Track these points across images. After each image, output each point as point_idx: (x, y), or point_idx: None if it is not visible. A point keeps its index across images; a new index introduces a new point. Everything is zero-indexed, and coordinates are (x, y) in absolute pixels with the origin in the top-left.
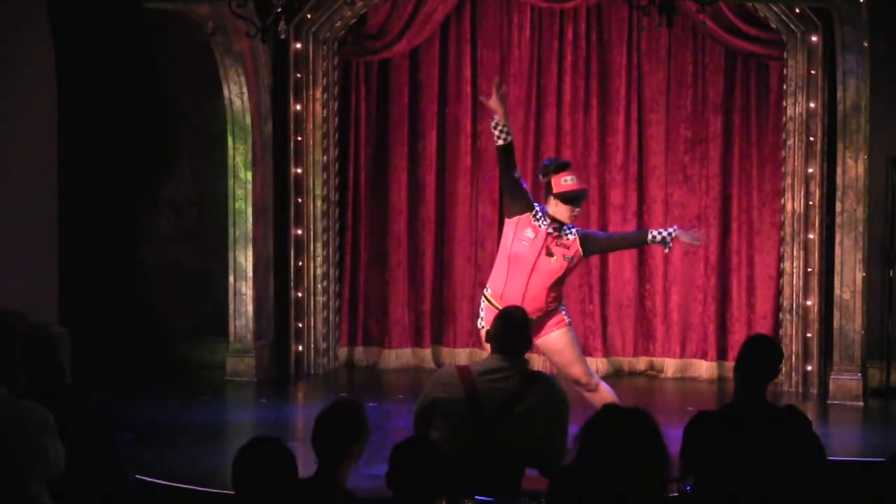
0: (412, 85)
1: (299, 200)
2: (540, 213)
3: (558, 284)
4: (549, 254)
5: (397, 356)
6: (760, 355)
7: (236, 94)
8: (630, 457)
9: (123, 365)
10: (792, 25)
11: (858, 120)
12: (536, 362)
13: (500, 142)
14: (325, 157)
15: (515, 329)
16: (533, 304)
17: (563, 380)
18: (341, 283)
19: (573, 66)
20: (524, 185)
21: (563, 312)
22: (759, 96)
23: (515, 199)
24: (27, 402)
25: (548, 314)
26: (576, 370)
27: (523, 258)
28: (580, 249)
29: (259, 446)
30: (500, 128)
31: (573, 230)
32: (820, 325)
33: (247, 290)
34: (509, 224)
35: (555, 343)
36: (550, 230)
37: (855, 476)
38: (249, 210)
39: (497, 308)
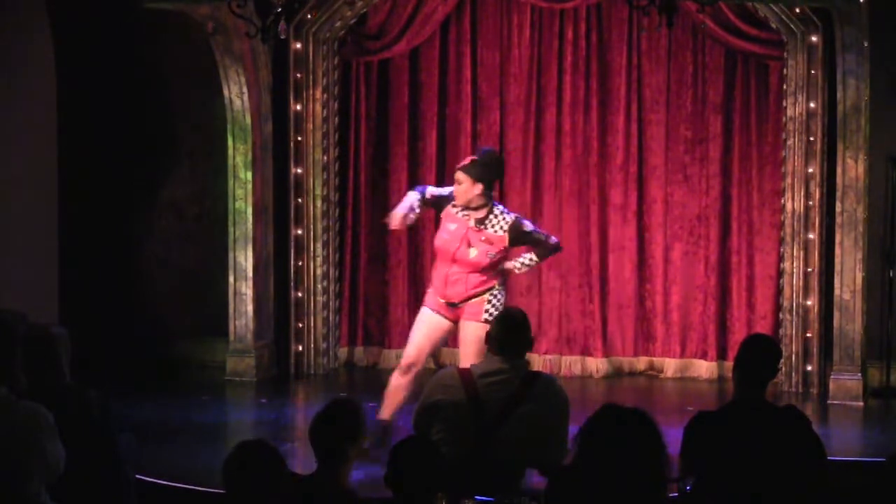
0: (412, 85)
1: (299, 200)
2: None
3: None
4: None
5: (397, 356)
6: (759, 355)
7: (236, 94)
8: (630, 457)
9: (123, 365)
10: (792, 25)
11: (858, 120)
12: (536, 362)
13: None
14: (325, 157)
15: (516, 330)
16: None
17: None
18: (341, 282)
19: (573, 66)
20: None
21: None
22: (759, 96)
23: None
24: (27, 402)
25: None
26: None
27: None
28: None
29: (244, 451)
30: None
31: (506, 216)
32: (820, 325)
33: (247, 290)
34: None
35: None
36: (472, 223)
37: (855, 476)
38: (249, 210)
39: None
